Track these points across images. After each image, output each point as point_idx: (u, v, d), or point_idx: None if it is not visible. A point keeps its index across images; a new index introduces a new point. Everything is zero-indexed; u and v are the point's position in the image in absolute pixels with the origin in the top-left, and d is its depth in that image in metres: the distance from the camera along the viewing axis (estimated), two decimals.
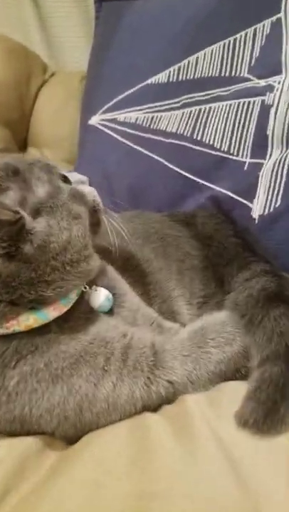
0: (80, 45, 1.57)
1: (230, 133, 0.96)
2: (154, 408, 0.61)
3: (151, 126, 1.08)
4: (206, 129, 0.99)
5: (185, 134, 1.01)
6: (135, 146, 1.08)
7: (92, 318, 0.62)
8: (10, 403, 0.56)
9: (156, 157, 1.04)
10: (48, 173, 0.60)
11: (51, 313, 0.57)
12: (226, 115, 0.97)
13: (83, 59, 1.41)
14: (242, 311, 0.67)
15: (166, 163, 1.02)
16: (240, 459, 0.52)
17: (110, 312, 0.65)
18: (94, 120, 1.19)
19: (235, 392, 0.63)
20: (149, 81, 1.12)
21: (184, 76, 1.07)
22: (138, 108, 1.11)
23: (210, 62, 1.04)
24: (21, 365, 0.55)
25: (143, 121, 1.10)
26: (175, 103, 1.06)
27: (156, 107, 1.09)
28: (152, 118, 1.08)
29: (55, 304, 0.57)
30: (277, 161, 0.88)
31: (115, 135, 1.12)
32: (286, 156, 0.88)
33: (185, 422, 0.57)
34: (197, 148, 0.99)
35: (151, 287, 0.76)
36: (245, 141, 0.94)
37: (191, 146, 0.99)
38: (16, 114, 1.43)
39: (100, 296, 0.64)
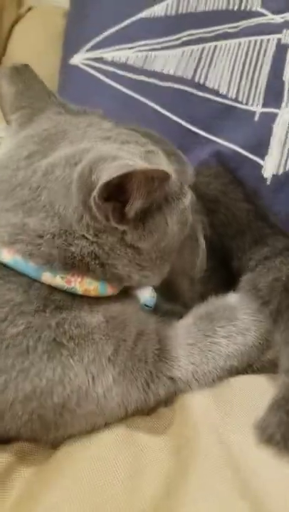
0: None
1: (239, 77, 0.81)
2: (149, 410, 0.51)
3: (145, 67, 0.92)
4: (211, 72, 0.84)
5: (185, 76, 0.86)
6: (125, 90, 0.92)
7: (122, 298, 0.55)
8: None
9: (149, 103, 0.88)
10: None
11: (109, 289, 0.52)
12: (234, 56, 0.83)
13: None
14: (265, 298, 0.57)
15: (162, 110, 0.87)
16: (262, 491, 0.41)
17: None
18: (76, 59, 1.02)
19: (248, 391, 0.52)
20: (142, 14, 0.96)
21: (185, 9, 0.91)
22: (129, 45, 0.95)
23: None
24: (36, 317, 0.47)
25: (135, 60, 0.94)
26: (173, 40, 0.91)
27: (150, 44, 0.93)
28: (146, 57, 0.93)
29: (115, 284, 0.53)
30: None
31: (101, 76, 0.96)
32: None
33: (190, 436, 0.46)
34: (199, 94, 0.84)
35: None
36: (256, 87, 0.80)
37: (192, 91, 0.84)
38: None
39: (148, 292, 0.57)
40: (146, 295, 0.57)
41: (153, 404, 0.51)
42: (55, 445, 0.51)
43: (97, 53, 0.99)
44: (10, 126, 0.58)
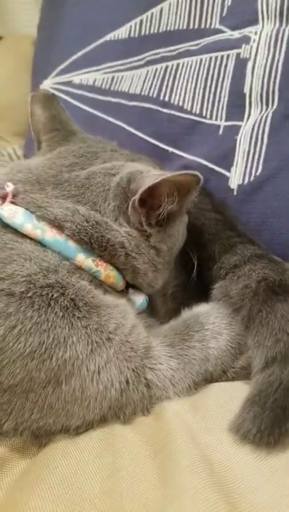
0: (29, 6, 1.40)
1: (201, 92, 0.84)
2: (127, 417, 0.52)
3: (112, 88, 0.94)
4: (175, 89, 0.86)
5: (150, 95, 0.88)
6: (94, 111, 0.94)
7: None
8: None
9: (118, 122, 0.91)
10: None
11: (122, 283, 0.59)
12: (196, 72, 0.85)
13: (34, 21, 1.25)
14: (236, 304, 0.58)
15: (129, 129, 0.89)
16: (239, 490, 0.41)
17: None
18: (46, 84, 1.04)
19: (224, 396, 0.52)
20: (107, 37, 0.99)
21: (147, 30, 0.94)
22: (96, 68, 0.98)
23: (176, 14, 0.91)
24: (62, 278, 0.52)
25: (102, 82, 0.96)
26: (138, 61, 0.93)
27: (116, 66, 0.96)
28: (112, 79, 0.95)
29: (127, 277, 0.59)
30: (257, 122, 0.77)
31: (70, 99, 0.98)
32: (267, 115, 0.77)
33: (165, 441, 0.47)
34: (165, 111, 0.86)
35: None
36: (219, 102, 0.82)
37: (157, 108, 0.87)
38: None
39: (142, 296, 0.61)
40: (141, 298, 0.61)
41: (127, 409, 0.51)
42: (35, 436, 0.51)
43: (65, 77, 1.01)
44: (41, 145, 0.68)
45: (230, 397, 0.52)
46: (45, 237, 0.54)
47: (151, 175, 0.56)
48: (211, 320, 0.57)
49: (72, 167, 0.60)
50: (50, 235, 0.54)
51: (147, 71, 0.91)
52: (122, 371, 0.51)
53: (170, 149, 0.84)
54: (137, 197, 0.54)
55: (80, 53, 1.01)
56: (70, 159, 0.61)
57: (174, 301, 0.68)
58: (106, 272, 0.56)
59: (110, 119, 0.92)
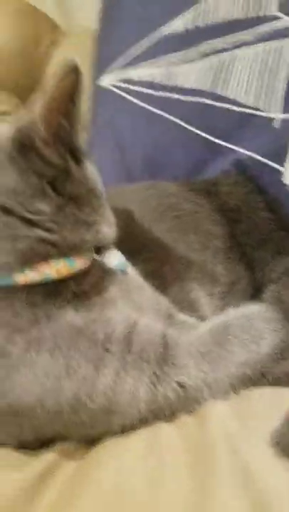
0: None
1: (257, 84, 0.81)
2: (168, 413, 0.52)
3: (168, 84, 0.94)
4: (230, 82, 0.84)
5: (205, 89, 0.87)
6: (150, 107, 0.94)
7: (102, 292, 0.55)
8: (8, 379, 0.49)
9: (173, 118, 0.90)
10: None
11: (78, 262, 0.52)
12: (252, 63, 0.83)
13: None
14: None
15: (184, 124, 0.88)
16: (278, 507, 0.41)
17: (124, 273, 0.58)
18: (105, 80, 1.06)
19: (267, 403, 0.52)
20: (163, 30, 0.97)
21: (203, 21, 0.92)
22: (152, 61, 0.97)
23: (233, 1, 0.88)
24: (32, 331, 0.49)
25: (159, 77, 0.96)
26: (193, 53, 0.91)
27: (172, 59, 0.94)
28: (169, 74, 0.94)
29: (80, 256, 0.53)
30: None
31: (127, 96, 0.99)
32: None
33: (207, 451, 0.47)
34: (219, 105, 0.84)
35: (164, 273, 0.65)
36: (275, 93, 0.79)
37: (212, 103, 0.85)
38: (25, 80, 1.32)
39: (117, 255, 0.57)
40: (115, 260, 0.57)
41: (166, 407, 0.52)
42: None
43: (123, 73, 1.02)
44: None
45: (273, 404, 0.51)
46: None
47: (31, 105, 0.49)
48: (255, 324, 0.55)
49: None
50: None
51: (202, 64, 0.89)
52: (141, 378, 0.50)
53: (223, 143, 0.83)
54: (41, 132, 0.48)
55: (137, 47, 1.01)
56: None
57: (220, 301, 0.67)
58: (52, 270, 0.51)
59: (165, 115, 0.92)
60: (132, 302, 0.57)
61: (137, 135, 0.95)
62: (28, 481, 0.50)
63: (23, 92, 1.30)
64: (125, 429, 0.52)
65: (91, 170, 0.55)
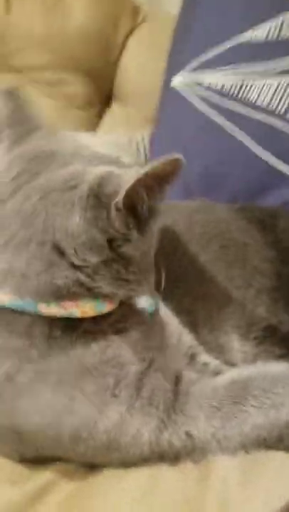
0: None
1: None
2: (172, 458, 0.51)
3: (240, 96, 0.89)
4: None
5: (277, 111, 0.82)
6: (216, 119, 0.90)
7: (122, 331, 0.55)
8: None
9: (238, 133, 0.86)
10: None
11: (108, 305, 0.53)
12: None
13: None
14: None
15: (249, 143, 0.84)
16: None
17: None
18: (177, 81, 1.02)
19: (280, 469, 0.50)
20: (243, 36, 0.92)
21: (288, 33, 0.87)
22: (227, 69, 0.93)
23: None
24: (41, 363, 0.50)
25: (231, 87, 0.91)
26: (272, 68, 0.87)
27: (248, 70, 0.90)
28: (242, 85, 0.90)
29: (111, 300, 0.54)
30: None
31: (195, 102, 0.95)
32: None
33: (199, 509, 0.47)
34: None
35: (198, 309, 0.63)
36: None
37: (283, 126, 0.81)
38: (100, 63, 1.29)
39: (144, 299, 0.58)
40: (145, 302, 0.57)
41: (171, 453, 0.51)
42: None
43: (195, 76, 0.98)
44: (2, 143, 0.60)
45: (283, 472, 0.49)
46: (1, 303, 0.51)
47: (129, 174, 0.48)
48: (279, 388, 0.52)
49: (17, 180, 0.52)
50: (4, 298, 0.51)
51: (279, 82, 0.84)
52: (147, 423, 0.50)
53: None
54: (119, 199, 0.48)
55: (213, 50, 0.96)
56: (16, 167, 0.53)
57: (258, 346, 0.64)
58: (79, 309, 0.51)
59: (231, 128, 0.88)
60: (153, 341, 0.56)
61: (197, 144, 0.92)
62: (25, 496, 0.52)
63: (98, 75, 1.29)
64: (126, 465, 0.52)
65: (152, 233, 0.54)
